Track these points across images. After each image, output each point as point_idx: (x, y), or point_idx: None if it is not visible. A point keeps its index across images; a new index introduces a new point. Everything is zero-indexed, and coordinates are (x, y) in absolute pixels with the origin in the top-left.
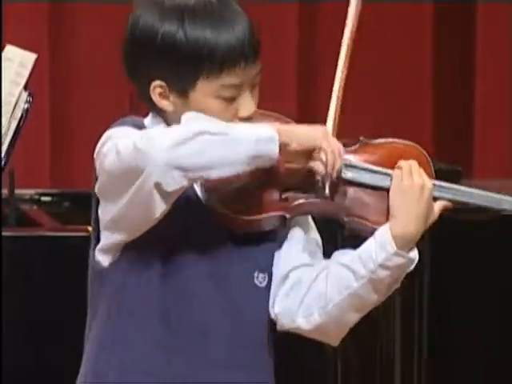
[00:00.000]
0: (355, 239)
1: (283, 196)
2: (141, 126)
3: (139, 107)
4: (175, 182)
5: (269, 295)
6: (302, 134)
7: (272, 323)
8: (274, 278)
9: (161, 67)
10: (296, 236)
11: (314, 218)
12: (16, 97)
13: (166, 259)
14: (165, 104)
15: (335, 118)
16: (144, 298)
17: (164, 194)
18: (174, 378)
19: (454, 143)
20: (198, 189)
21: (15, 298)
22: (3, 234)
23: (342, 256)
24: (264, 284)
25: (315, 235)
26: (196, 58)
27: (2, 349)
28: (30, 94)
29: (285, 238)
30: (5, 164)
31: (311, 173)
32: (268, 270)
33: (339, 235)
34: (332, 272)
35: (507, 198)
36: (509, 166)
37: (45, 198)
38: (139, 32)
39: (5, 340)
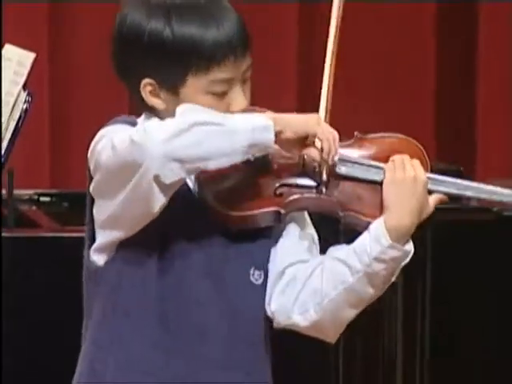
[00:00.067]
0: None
1: (277, 192)
2: (134, 124)
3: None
4: (173, 174)
5: (265, 292)
6: (296, 121)
7: (269, 321)
8: (270, 274)
9: (149, 65)
10: (292, 232)
11: (311, 216)
12: (15, 96)
13: (160, 258)
14: (156, 102)
15: (327, 109)
16: (140, 298)
17: (163, 187)
18: (174, 379)
19: (456, 143)
20: (191, 184)
21: (15, 299)
22: (2, 234)
23: (337, 251)
24: (260, 281)
25: (311, 231)
26: (184, 55)
27: (1, 349)
28: (28, 94)
29: (280, 234)
30: (3, 164)
31: (306, 163)
32: (264, 267)
33: (341, 233)
34: (327, 267)
35: (502, 190)
36: (511, 166)
37: (44, 199)
38: (126, 30)
39: (5, 340)
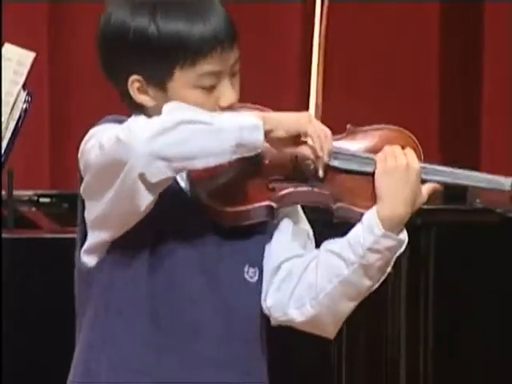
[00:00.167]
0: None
1: (270, 186)
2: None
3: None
4: (159, 173)
5: (260, 290)
6: (287, 120)
7: (264, 319)
8: (265, 270)
9: (136, 62)
10: (286, 227)
11: (306, 213)
12: (14, 96)
13: (152, 257)
14: (144, 99)
15: (317, 105)
16: (132, 296)
17: (149, 186)
18: (168, 377)
19: (460, 143)
20: (183, 183)
21: (15, 300)
22: (3, 236)
23: (331, 244)
24: (255, 279)
25: (306, 226)
26: (170, 50)
27: (1, 349)
28: (28, 94)
29: (275, 229)
30: (3, 164)
31: (299, 159)
32: (259, 264)
33: (335, 228)
34: (322, 261)
35: (498, 178)
36: None
37: (44, 200)
38: (111, 29)
39: (4, 341)
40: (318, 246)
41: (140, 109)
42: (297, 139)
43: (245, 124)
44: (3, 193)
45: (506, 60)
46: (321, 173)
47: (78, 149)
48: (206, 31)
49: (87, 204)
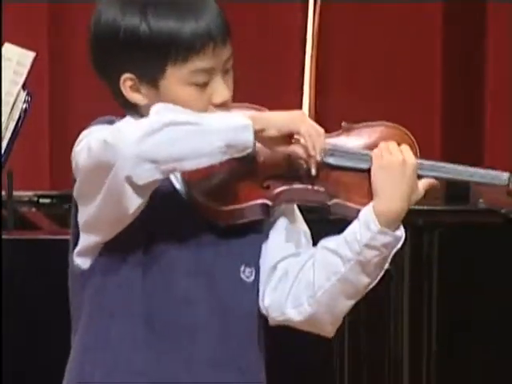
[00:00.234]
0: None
1: (265, 184)
2: None
3: None
4: (147, 175)
5: (256, 290)
6: (279, 119)
7: (262, 318)
8: (262, 269)
9: (127, 60)
10: (283, 227)
11: (302, 213)
12: (14, 96)
13: (146, 259)
14: (137, 97)
15: (310, 104)
16: (125, 298)
17: (136, 188)
18: (164, 378)
19: (462, 140)
20: (177, 183)
21: (15, 301)
22: (3, 237)
23: (328, 242)
24: (251, 279)
25: (302, 225)
26: (162, 48)
27: (1, 350)
28: (28, 94)
29: (271, 229)
30: (3, 165)
31: (293, 158)
32: (255, 264)
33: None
34: (318, 259)
35: (494, 172)
36: None
37: (44, 200)
38: (102, 29)
39: (5, 342)
40: (314, 245)
41: (133, 108)
42: (289, 138)
43: (234, 124)
44: (3, 193)
45: (509, 60)
46: (313, 171)
47: None
48: (199, 28)
49: (79, 207)
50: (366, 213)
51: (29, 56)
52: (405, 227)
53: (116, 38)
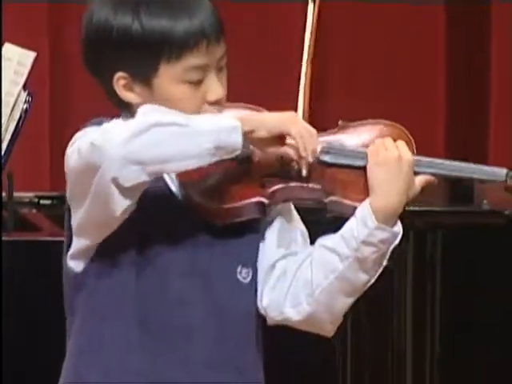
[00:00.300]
0: None
1: (261, 183)
2: None
3: None
4: (133, 177)
5: (253, 291)
6: (269, 121)
7: (259, 318)
8: (260, 269)
9: (120, 59)
10: (280, 226)
11: (300, 214)
12: (15, 97)
13: (140, 260)
14: (130, 96)
15: (304, 106)
16: (118, 300)
17: (123, 190)
18: (162, 378)
19: (468, 140)
20: (172, 185)
21: (15, 302)
22: (2, 238)
23: (325, 240)
24: (248, 279)
25: (299, 225)
26: (155, 46)
27: (1, 350)
28: (29, 94)
29: (268, 229)
30: (3, 166)
31: (285, 158)
32: (252, 264)
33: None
34: (316, 257)
35: (492, 168)
36: None
37: (44, 201)
38: (94, 28)
39: (4, 344)
40: (312, 244)
41: (127, 107)
42: (281, 139)
43: (222, 126)
44: (3, 195)
45: None
46: (304, 172)
47: None
48: (192, 26)
49: (71, 210)
50: (363, 209)
51: (29, 56)
52: (408, 228)
53: (109, 37)
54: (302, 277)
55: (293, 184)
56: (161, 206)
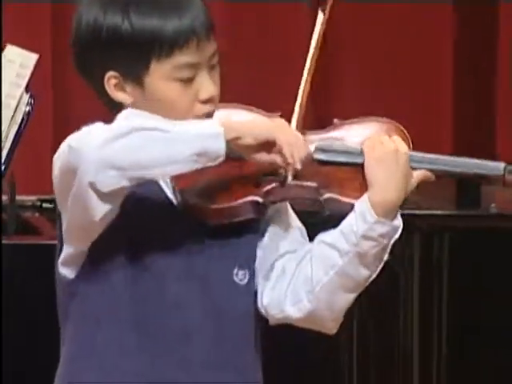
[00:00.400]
0: None
1: (256, 182)
2: None
3: None
4: (111, 182)
5: (251, 292)
6: (256, 128)
7: (257, 320)
8: (259, 270)
9: (110, 58)
10: (277, 226)
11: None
12: (17, 99)
13: (134, 265)
14: (122, 96)
15: (300, 112)
16: (111, 305)
17: (101, 195)
18: (161, 378)
19: (475, 140)
20: (167, 189)
21: (15, 303)
22: (3, 242)
23: (325, 236)
24: (245, 281)
25: (297, 223)
26: (145, 45)
27: (1, 350)
28: (31, 96)
29: (266, 229)
30: (5, 169)
31: (272, 166)
32: (249, 266)
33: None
34: (315, 253)
35: (490, 163)
36: None
37: (47, 205)
38: (83, 29)
39: (5, 342)
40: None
41: (118, 107)
42: (268, 146)
43: (205, 132)
44: (5, 198)
45: None
46: (290, 179)
47: None
48: (182, 25)
49: (61, 216)
50: (362, 204)
51: (32, 58)
52: (415, 231)
53: (98, 37)
54: (302, 274)
55: (288, 183)
56: (157, 212)
